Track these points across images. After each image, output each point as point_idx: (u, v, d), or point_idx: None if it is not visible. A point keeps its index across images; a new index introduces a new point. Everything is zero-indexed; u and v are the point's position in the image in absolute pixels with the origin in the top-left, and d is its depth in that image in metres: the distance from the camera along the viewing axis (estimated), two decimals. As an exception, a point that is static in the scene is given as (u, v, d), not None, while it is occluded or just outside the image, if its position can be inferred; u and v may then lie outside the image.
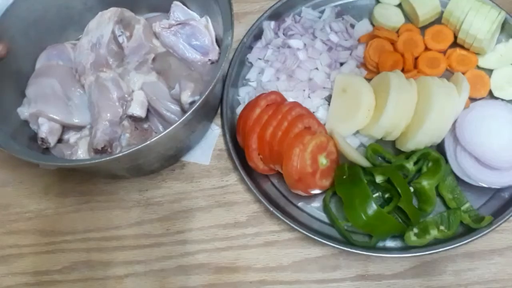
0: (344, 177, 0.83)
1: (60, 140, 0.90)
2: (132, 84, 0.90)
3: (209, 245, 0.89)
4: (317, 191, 0.87)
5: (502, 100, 0.91)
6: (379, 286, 0.84)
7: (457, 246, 0.82)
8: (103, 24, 0.92)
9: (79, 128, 0.91)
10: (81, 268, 0.90)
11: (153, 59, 0.93)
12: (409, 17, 1.01)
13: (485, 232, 0.82)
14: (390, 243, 0.85)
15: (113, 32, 0.91)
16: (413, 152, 0.87)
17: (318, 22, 1.01)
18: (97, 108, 0.87)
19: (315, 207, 0.89)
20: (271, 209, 0.86)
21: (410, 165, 0.86)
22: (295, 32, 0.99)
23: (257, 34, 1.01)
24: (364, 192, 0.81)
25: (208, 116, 0.95)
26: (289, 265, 0.87)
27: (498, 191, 0.87)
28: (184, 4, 0.98)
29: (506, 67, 0.94)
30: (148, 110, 0.90)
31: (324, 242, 0.83)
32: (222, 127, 0.94)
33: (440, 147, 0.89)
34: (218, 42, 0.93)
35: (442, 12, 0.98)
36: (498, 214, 0.84)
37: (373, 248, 0.84)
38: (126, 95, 0.88)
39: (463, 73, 0.91)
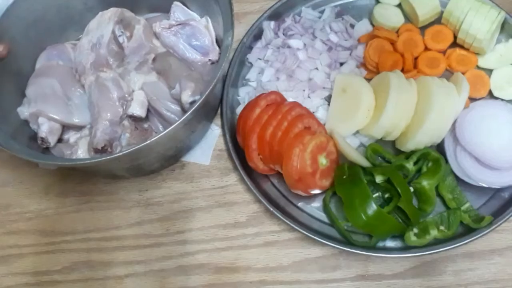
0: (344, 177, 0.83)
1: (60, 140, 0.90)
2: (132, 84, 0.90)
3: (209, 245, 0.89)
4: (317, 191, 0.87)
5: (502, 100, 0.91)
6: (379, 286, 0.84)
7: (457, 246, 0.82)
8: (103, 24, 0.92)
9: (79, 128, 0.91)
10: (81, 268, 0.90)
11: (154, 59, 0.93)
12: (409, 17, 1.01)
13: (485, 232, 0.82)
14: (390, 243, 0.85)
15: (113, 32, 0.91)
16: (413, 152, 0.87)
17: (318, 22, 1.01)
18: (97, 108, 0.87)
19: (315, 207, 0.89)
20: (271, 209, 0.86)
21: (410, 165, 0.86)
22: (295, 32, 0.99)
23: (257, 34, 1.01)
24: (364, 192, 0.81)
25: (208, 116, 0.95)
26: (289, 265, 0.87)
27: (498, 191, 0.87)
28: (184, 4, 0.98)
29: (506, 67, 0.94)
30: (148, 110, 0.90)
31: (324, 242, 0.83)
32: (222, 127, 0.94)
33: (440, 147, 0.89)
34: (218, 42, 0.93)
35: (442, 12, 0.98)
36: (498, 214, 0.84)
37: (373, 248, 0.84)
38: (126, 95, 0.88)
39: (463, 73, 0.91)
